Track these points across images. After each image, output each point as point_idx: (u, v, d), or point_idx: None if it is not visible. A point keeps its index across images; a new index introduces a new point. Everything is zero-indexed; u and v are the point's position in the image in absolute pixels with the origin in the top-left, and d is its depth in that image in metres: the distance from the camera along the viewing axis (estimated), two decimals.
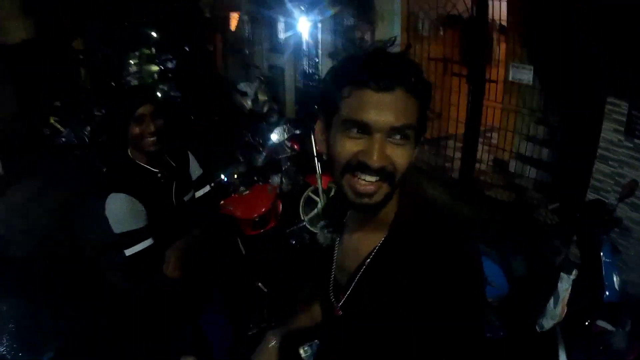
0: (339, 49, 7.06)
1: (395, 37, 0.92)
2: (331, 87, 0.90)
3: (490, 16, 4.39)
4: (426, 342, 0.82)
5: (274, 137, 4.42)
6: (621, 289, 2.63)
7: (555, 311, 2.66)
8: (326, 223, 1.14)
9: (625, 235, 3.36)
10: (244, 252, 3.57)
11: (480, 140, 4.84)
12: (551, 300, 2.69)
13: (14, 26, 8.66)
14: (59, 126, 8.73)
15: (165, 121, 1.82)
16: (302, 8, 8.81)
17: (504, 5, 4.30)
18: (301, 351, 1.23)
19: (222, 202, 3.76)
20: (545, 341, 2.61)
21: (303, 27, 9.23)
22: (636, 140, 3.27)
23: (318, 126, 0.97)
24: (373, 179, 0.85)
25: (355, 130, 0.85)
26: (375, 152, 0.83)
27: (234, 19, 12.78)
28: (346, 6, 7.19)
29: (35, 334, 3.43)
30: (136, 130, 1.76)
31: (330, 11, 7.39)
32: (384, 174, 0.85)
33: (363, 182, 0.85)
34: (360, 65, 0.86)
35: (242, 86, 10.19)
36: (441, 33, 5.33)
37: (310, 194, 4.57)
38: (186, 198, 2.00)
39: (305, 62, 9.42)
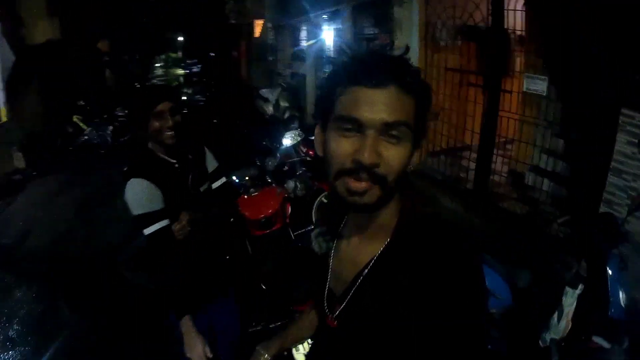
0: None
1: (407, 47, 0.91)
2: (326, 89, 0.89)
3: (507, 26, 4.36)
4: (428, 356, 0.81)
5: (286, 141, 4.49)
6: (628, 306, 2.57)
7: (559, 326, 2.61)
8: (321, 231, 1.11)
9: (636, 251, 3.29)
10: (250, 251, 3.65)
11: (498, 151, 4.80)
12: (555, 315, 2.65)
13: (40, 27, 8.90)
14: (82, 124, 8.97)
15: (182, 117, 1.97)
16: (325, 17, 8.91)
17: (522, 15, 4.28)
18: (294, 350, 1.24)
19: None
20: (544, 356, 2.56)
21: (325, 36, 9.33)
22: None
23: (316, 130, 0.97)
24: (365, 180, 0.83)
25: (348, 128, 0.83)
26: (367, 148, 0.80)
27: (258, 26, 12.97)
28: (366, 15, 7.25)
29: (45, 322, 3.56)
30: (156, 124, 1.90)
31: (349, 20, 7.45)
32: (375, 176, 0.82)
33: (355, 181, 0.83)
34: (355, 64, 0.85)
35: (264, 92, 10.35)
36: (458, 43, 5.32)
37: (323, 199, 4.61)
38: (202, 188, 2.15)
39: (326, 70, 9.46)
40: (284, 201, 3.98)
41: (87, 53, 11.00)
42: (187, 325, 1.95)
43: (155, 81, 13.75)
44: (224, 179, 2.31)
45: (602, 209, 3.50)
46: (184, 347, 1.95)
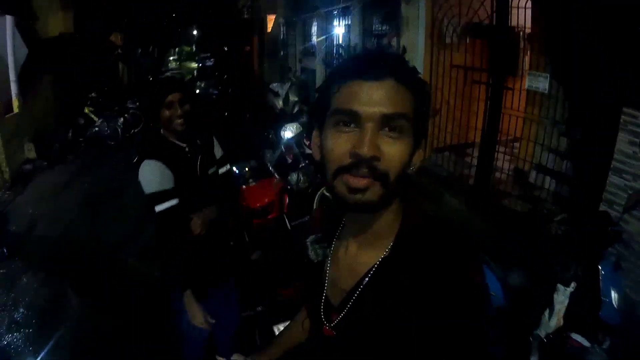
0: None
1: (404, 47, 0.89)
2: (323, 90, 0.87)
3: (511, 24, 4.34)
4: None
5: (286, 133, 4.53)
6: (622, 306, 2.55)
7: (550, 323, 2.60)
8: (317, 238, 1.07)
9: (636, 253, 3.26)
10: (247, 239, 3.74)
11: (503, 149, 4.78)
12: (546, 312, 2.65)
13: (53, 20, 9.00)
14: (93, 116, 9.07)
15: (191, 106, 2.14)
16: (335, 13, 8.94)
17: (526, 12, 4.26)
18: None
19: None
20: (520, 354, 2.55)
21: (335, 31, 9.37)
22: None
23: (314, 134, 0.93)
24: (366, 175, 0.79)
25: (345, 121, 0.80)
26: (366, 141, 0.77)
27: (270, 21, 13.00)
28: (375, 12, 7.27)
29: (51, 310, 3.64)
30: (166, 113, 2.08)
31: (358, 17, 7.48)
32: (376, 171, 0.79)
33: (355, 177, 0.79)
34: (351, 60, 0.85)
35: (275, 86, 10.40)
36: (464, 40, 5.30)
37: (325, 192, 4.64)
38: (210, 172, 2.32)
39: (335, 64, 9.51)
40: (281, 192, 4.03)
41: (100, 46, 11.12)
42: (189, 297, 2.09)
43: (168, 74, 13.86)
44: (229, 166, 2.50)
45: (603, 208, 3.48)
46: (188, 315, 2.10)
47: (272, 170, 4.39)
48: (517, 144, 4.99)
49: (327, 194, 4.70)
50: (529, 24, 4.38)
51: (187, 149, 2.20)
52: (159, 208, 2.05)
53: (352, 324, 0.92)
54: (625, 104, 3.28)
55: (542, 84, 3.95)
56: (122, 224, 5.15)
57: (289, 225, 3.71)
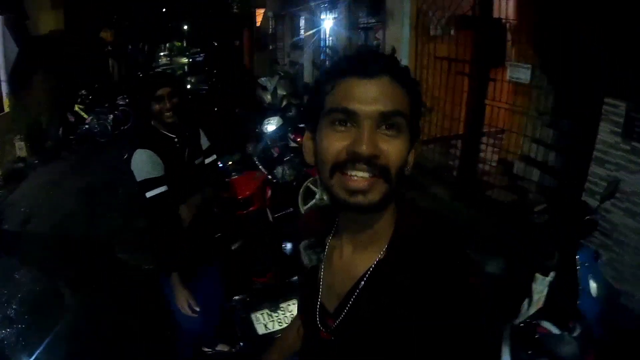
0: (349, 46, 7.12)
1: (394, 48, 0.87)
2: (315, 90, 0.84)
3: (495, 15, 4.33)
4: None
5: (269, 127, 4.52)
6: (602, 296, 2.54)
7: (528, 312, 2.60)
8: (310, 243, 1.03)
9: (619, 243, 3.27)
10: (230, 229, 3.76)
11: (488, 140, 4.77)
12: (525, 302, 2.64)
13: (44, 18, 8.96)
14: (83, 114, 9.08)
15: (180, 99, 2.26)
16: (323, 7, 8.92)
17: (509, 4, 4.24)
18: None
19: None
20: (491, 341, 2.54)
21: (322, 25, 9.35)
22: (634, 143, 3.14)
23: (305, 137, 0.89)
24: (366, 174, 0.76)
25: (341, 120, 0.77)
26: (364, 139, 0.74)
27: (259, 15, 12.96)
28: (362, 5, 7.27)
29: (47, 305, 3.64)
30: (156, 107, 2.19)
31: (345, 10, 7.50)
32: (378, 167, 0.76)
33: (355, 177, 0.76)
34: (345, 59, 0.82)
35: (263, 80, 10.35)
36: (448, 32, 5.29)
37: (309, 185, 4.66)
38: (197, 162, 2.45)
39: (323, 59, 9.53)
40: (263, 184, 4.07)
41: (90, 43, 11.07)
42: (175, 280, 2.22)
43: (159, 69, 13.85)
44: (214, 156, 2.62)
45: (585, 198, 3.47)
46: (174, 299, 2.23)
47: (257, 162, 4.40)
48: (499, 135, 4.98)
49: (312, 186, 4.71)
50: (512, 15, 4.35)
51: (176, 140, 2.31)
52: (149, 194, 2.15)
53: (349, 329, 0.90)
54: (607, 94, 3.27)
55: (523, 74, 3.93)
56: (114, 219, 5.19)
57: (270, 217, 3.72)
